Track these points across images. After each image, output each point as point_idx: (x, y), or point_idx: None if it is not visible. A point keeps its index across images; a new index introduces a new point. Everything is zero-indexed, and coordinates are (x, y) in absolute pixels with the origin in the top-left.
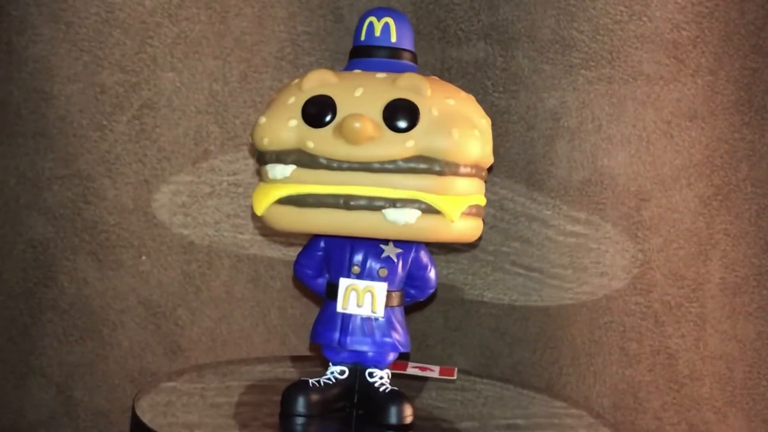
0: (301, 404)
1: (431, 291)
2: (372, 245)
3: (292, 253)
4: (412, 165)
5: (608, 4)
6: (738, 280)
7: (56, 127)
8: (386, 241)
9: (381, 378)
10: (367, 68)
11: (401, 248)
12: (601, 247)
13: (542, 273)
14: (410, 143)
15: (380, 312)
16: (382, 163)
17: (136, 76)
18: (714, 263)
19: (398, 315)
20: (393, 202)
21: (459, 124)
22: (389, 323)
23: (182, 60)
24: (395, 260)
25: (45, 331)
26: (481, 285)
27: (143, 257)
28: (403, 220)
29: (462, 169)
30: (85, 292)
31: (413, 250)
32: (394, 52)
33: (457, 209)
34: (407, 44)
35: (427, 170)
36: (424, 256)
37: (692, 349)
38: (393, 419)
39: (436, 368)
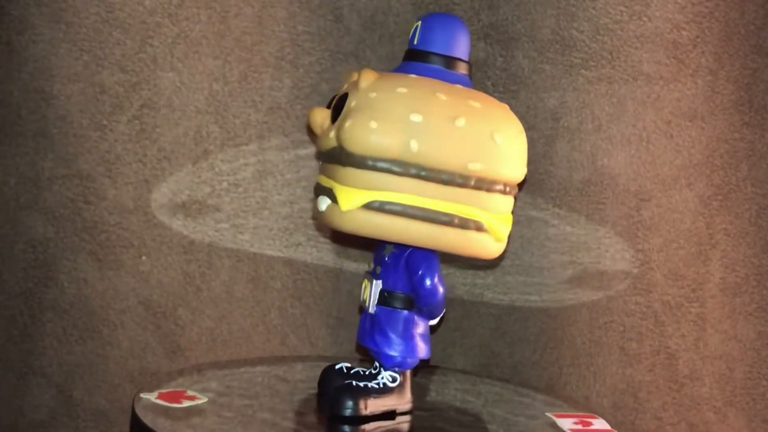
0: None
1: (426, 299)
2: (385, 245)
3: (292, 252)
4: (330, 155)
5: (608, 4)
6: (738, 280)
7: (56, 127)
8: None
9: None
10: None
11: (395, 248)
12: (601, 247)
13: (542, 273)
14: (332, 134)
15: (370, 308)
16: (325, 152)
17: (136, 76)
18: (714, 263)
19: (393, 319)
20: (322, 190)
21: (352, 115)
22: (378, 325)
23: (182, 60)
24: (386, 259)
25: (45, 331)
26: (481, 285)
27: (143, 257)
28: (322, 209)
29: (359, 161)
30: (85, 292)
31: (407, 252)
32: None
33: (350, 199)
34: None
35: (336, 160)
36: (416, 260)
37: (692, 349)
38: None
39: None
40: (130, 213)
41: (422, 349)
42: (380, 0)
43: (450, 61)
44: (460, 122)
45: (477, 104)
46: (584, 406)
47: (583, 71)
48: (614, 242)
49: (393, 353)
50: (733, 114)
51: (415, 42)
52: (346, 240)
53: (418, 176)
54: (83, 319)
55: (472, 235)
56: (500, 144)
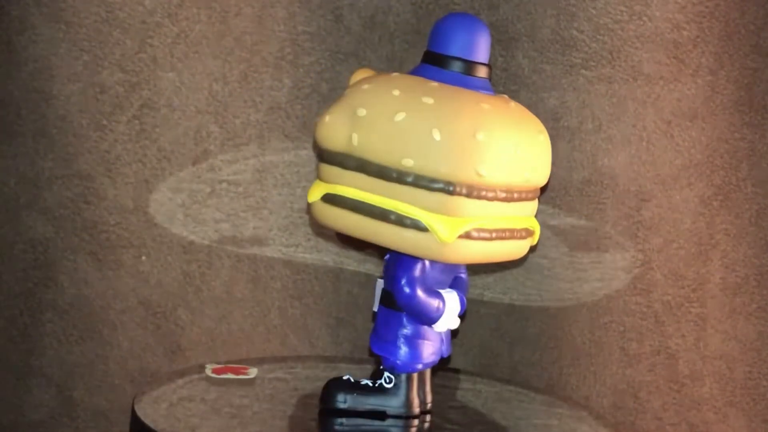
0: None
1: (402, 304)
2: None
3: (292, 253)
4: None
5: (608, 4)
6: (738, 280)
7: (56, 127)
8: None
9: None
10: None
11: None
12: (601, 247)
13: (542, 273)
14: None
15: (374, 306)
16: None
17: (136, 76)
18: (714, 263)
19: (389, 320)
20: None
21: (332, 109)
22: (376, 324)
23: (182, 60)
24: (386, 258)
25: (45, 331)
26: (480, 285)
27: (143, 257)
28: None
29: (319, 154)
30: (85, 292)
31: (389, 254)
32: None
33: (314, 191)
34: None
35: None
36: (393, 263)
37: (692, 349)
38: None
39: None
40: (130, 213)
41: (417, 355)
42: (380, 0)
43: (448, 61)
44: (399, 117)
45: (430, 100)
46: (584, 406)
47: (583, 71)
48: (614, 242)
49: (386, 355)
50: (734, 114)
51: (432, 45)
52: (346, 240)
53: (360, 170)
54: (83, 319)
55: (410, 233)
56: (439, 141)
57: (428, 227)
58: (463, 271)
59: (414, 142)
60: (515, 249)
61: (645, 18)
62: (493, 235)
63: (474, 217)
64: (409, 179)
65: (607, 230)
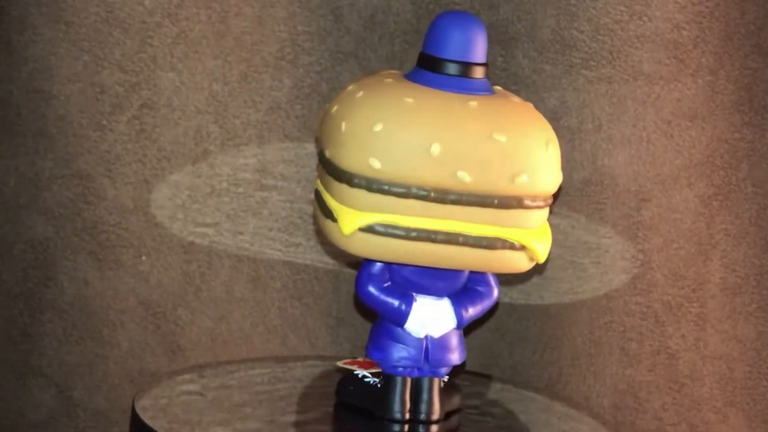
0: None
1: (358, 298)
2: None
3: (292, 253)
4: None
5: (608, 4)
6: (738, 280)
7: (56, 127)
8: None
9: None
10: None
11: None
12: (601, 247)
13: (542, 273)
14: None
15: None
16: None
17: (136, 76)
18: (714, 263)
19: (376, 322)
20: None
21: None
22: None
23: (182, 60)
24: None
25: (45, 331)
26: None
27: (143, 257)
28: None
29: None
30: (85, 292)
31: None
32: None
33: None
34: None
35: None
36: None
37: (692, 349)
38: None
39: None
40: (130, 213)
41: (386, 357)
42: (380, 0)
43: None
44: (333, 109)
45: (360, 93)
46: (584, 406)
47: (583, 71)
48: (614, 242)
49: (367, 352)
50: (734, 114)
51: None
52: None
53: (323, 169)
54: (83, 319)
55: (328, 222)
56: (344, 132)
57: (337, 217)
58: (484, 284)
59: (327, 132)
60: (475, 258)
61: (645, 18)
62: (413, 234)
63: (378, 212)
64: (328, 169)
65: (607, 230)
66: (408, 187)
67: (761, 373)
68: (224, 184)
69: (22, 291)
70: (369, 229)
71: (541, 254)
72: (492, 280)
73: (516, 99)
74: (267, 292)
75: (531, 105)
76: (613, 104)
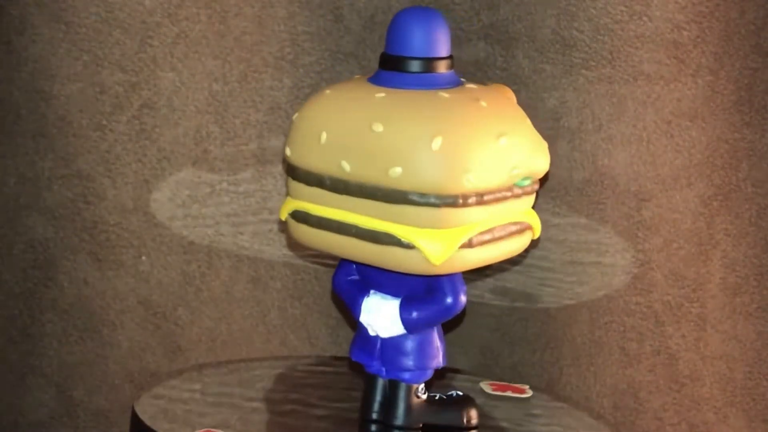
0: None
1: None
2: None
3: (292, 252)
4: None
5: (608, 4)
6: (738, 280)
7: (56, 127)
8: None
9: None
10: None
11: None
12: (601, 247)
13: (542, 273)
14: None
15: None
16: None
17: (136, 76)
18: (714, 263)
19: None
20: None
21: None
22: None
23: (182, 60)
24: None
25: (45, 331)
26: (481, 285)
27: (143, 257)
28: None
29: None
30: (85, 292)
31: None
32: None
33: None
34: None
35: None
36: None
37: (692, 349)
38: None
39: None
40: (130, 213)
41: (352, 345)
42: (380, 0)
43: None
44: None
45: (327, 90)
46: (584, 406)
47: (583, 71)
48: (614, 242)
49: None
50: (734, 114)
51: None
52: None
53: None
54: (83, 319)
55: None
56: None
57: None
58: (437, 289)
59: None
60: (370, 252)
61: (645, 18)
62: (322, 223)
63: (299, 200)
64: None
65: (607, 230)
66: (308, 174)
67: (761, 373)
68: (224, 184)
69: (22, 291)
70: (294, 216)
71: (434, 255)
72: (446, 285)
73: (480, 94)
74: (267, 292)
75: (494, 102)
76: (613, 104)
